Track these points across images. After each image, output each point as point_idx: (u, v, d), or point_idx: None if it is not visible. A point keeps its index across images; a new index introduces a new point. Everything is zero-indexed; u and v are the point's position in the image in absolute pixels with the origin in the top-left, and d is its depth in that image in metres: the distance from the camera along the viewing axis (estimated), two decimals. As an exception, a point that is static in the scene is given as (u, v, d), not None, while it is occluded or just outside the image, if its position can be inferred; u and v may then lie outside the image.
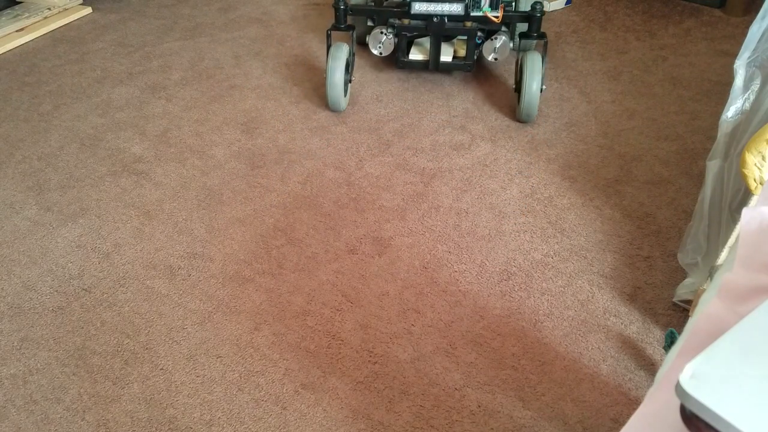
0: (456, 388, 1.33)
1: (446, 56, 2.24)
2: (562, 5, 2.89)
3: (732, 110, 1.29)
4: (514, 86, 2.29)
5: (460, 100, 2.26)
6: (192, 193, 1.87)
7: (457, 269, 1.60)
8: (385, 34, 2.17)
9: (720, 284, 0.58)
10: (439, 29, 2.12)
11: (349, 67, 2.18)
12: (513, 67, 2.44)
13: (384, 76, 2.41)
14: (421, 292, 1.54)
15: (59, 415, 1.30)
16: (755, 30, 1.23)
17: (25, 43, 2.72)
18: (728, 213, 1.33)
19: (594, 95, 2.27)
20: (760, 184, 1.02)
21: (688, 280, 1.47)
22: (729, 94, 1.29)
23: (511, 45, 2.27)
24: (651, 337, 1.42)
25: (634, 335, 1.42)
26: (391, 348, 1.41)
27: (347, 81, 2.18)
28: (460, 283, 1.56)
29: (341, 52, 2.10)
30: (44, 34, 2.79)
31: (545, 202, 1.80)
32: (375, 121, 2.16)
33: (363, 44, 2.48)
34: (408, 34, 2.23)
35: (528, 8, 2.27)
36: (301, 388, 1.34)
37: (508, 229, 1.72)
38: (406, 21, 2.14)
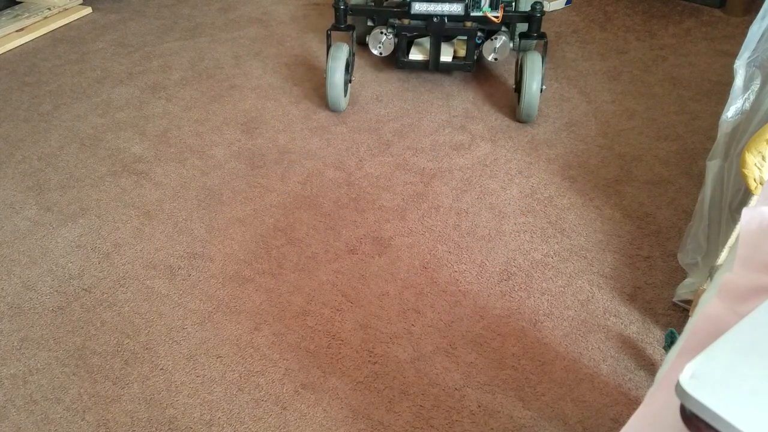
0: (456, 388, 1.33)
1: (446, 56, 2.24)
2: (562, 5, 2.89)
3: (732, 110, 1.29)
4: (514, 86, 2.29)
5: (460, 100, 2.26)
6: (192, 193, 1.87)
7: (457, 269, 1.60)
8: (385, 34, 2.17)
9: (720, 284, 0.58)
10: (439, 29, 2.12)
11: (349, 67, 2.18)
12: (513, 67, 2.44)
13: (384, 76, 2.41)
14: (421, 292, 1.54)
15: (59, 415, 1.30)
16: (755, 30, 1.23)
17: (25, 43, 2.72)
18: (728, 213, 1.33)
19: (594, 95, 2.27)
20: (760, 184, 1.02)
21: (688, 280, 1.47)
22: (729, 94, 1.29)
23: (511, 45, 2.27)
24: (651, 337, 1.42)
25: (634, 335, 1.42)
26: (391, 348, 1.41)
27: (347, 81, 2.18)
28: (460, 283, 1.56)
29: (341, 52, 2.10)
30: (44, 34, 2.79)
31: (545, 202, 1.80)
32: (375, 121, 2.16)
33: (363, 44, 2.48)
34: (408, 34, 2.23)
35: (528, 8, 2.27)
36: (301, 388, 1.34)
37: (508, 229, 1.72)
38: (406, 21, 2.14)
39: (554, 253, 1.64)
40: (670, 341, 1.34)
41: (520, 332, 1.44)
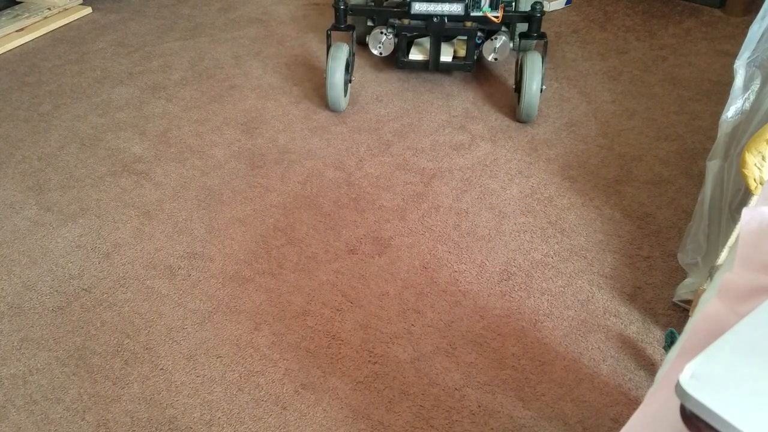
0: (456, 388, 1.33)
1: (446, 56, 2.24)
2: (562, 5, 2.89)
3: (732, 110, 1.29)
4: (514, 86, 2.29)
5: (460, 100, 2.26)
6: (192, 193, 1.87)
7: (457, 269, 1.60)
8: (385, 34, 2.17)
9: (720, 284, 0.58)
10: (439, 29, 2.12)
11: (349, 67, 2.18)
12: (513, 67, 2.44)
13: (384, 76, 2.41)
14: (421, 292, 1.54)
15: (59, 415, 1.30)
16: (755, 30, 1.23)
17: (25, 43, 2.72)
18: (728, 213, 1.33)
19: (594, 95, 2.27)
20: (760, 184, 1.02)
21: (688, 280, 1.47)
22: (729, 94, 1.29)
23: (511, 45, 2.27)
24: (651, 337, 1.42)
25: (634, 335, 1.42)
26: (391, 348, 1.41)
27: (347, 81, 2.18)
28: (460, 283, 1.56)
29: (341, 52, 2.10)
30: (44, 34, 2.79)
31: (545, 202, 1.80)
32: (375, 121, 2.16)
33: (363, 44, 2.48)
34: (408, 34, 2.23)
35: (528, 8, 2.27)
36: (301, 388, 1.34)
37: (508, 229, 1.72)
38: (406, 21, 2.14)
39: (554, 253, 1.64)
40: (670, 341, 1.34)
41: (520, 332, 1.44)
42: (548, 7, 2.83)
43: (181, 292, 1.56)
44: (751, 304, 0.54)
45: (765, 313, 0.50)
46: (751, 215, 0.63)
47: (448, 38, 2.33)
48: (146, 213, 1.81)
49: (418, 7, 2.09)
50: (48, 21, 2.83)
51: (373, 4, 2.35)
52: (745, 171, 1.02)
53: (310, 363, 1.39)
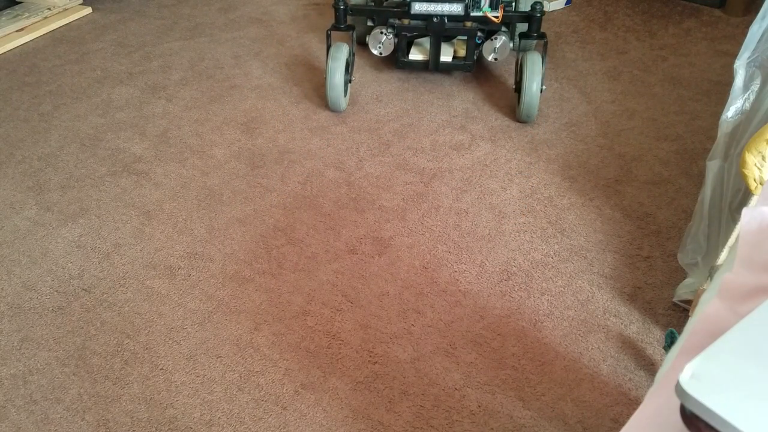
0: (456, 388, 1.33)
1: (446, 56, 2.24)
2: (562, 5, 2.89)
3: (732, 110, 1.29)
4: (514, 86, 2.29)
5: (460, 100, 2.26)
6: (192, 193, 1.87)
7: (457, 269, 1.60)
8: (385, 34, 2.17)
9: (720, 284, 0.58)
10: (439, 29, 2.12)
11: (349, 68, 2.18)
12: (513, 67, 2.44)
13: (384, 76, 2.41)
14: (421, 292, 1.54)
15: (59, 415, 1.30)
16: (755, 30, 1.23)
17: (25, 43, 2.72)
18: (728, 213, 1.33)
19: (594, 95, 2.27)
20: (760, 184, 1.02)
21: (688, 280, 1.47)
22: (729, 94, 1.29)
23: (511, 45, 2.27)
24: (651, 337, 1.42)
25: (634, 335, 1.42)
26: (391, 348, 1.41)
27: (347, 81, 2.18)
28: (460, 283, 1.56)
29: (341, 52, 2.10)
30: (44, 34, 2.79)
31: (545, 202, 1.80)
32: (375, 121, 2.16)
33: (363, 44, 2.48)
34: (408, 34, 2.23)
35: (528, 8, 2.27)
36: (301, 388, 1.34)
37: (508, 229, 1.72)
38: (406, 21, 2.14)
39: (554, 253, 1.64)
40: (670, 341, 1.34)
41: (520, 332, 1.44)
42: (548, 7, 2.83)
43: (181, 292, 1.56)
44: (751, 304, 0.54)
45: (765, 313, 0.50)
46: (751, 215, 0.63)
47: (448, 38, 2.33)
48: (146, 213, 1.81)
49: (418, 7, 2.09)
50: (48, 21, 2.83)
51: (373, 4, 2.35)
52: (745, 171, 1.02)
53: (310, 363, 1.39)
